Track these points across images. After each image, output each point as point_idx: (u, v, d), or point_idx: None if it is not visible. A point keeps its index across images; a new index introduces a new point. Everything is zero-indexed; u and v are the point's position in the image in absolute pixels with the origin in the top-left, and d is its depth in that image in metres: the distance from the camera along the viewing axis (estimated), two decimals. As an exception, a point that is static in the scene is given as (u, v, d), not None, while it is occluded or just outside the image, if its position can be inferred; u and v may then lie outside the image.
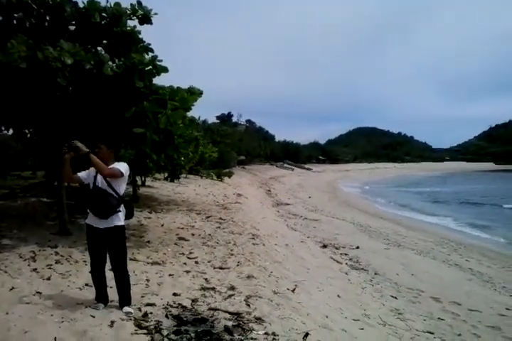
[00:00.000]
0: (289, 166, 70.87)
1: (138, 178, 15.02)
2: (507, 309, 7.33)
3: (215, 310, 4.40)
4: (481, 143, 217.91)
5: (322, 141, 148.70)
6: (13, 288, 4.46)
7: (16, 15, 6.21)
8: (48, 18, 6.52)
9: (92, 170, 4.15)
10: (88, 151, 3.90)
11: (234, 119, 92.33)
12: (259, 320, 4.25)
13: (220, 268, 6.27)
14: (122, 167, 4.07)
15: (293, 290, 5.68)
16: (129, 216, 4.27)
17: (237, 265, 6.51)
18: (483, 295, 8.14)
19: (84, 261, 5.67)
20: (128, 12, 6.96)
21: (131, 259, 5.80)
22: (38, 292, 4.41)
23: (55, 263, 5.58)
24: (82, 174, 4.17)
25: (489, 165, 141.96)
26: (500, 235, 17.24)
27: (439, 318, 6.43)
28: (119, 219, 4.09)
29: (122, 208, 4.13)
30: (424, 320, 6.25)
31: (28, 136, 8.33)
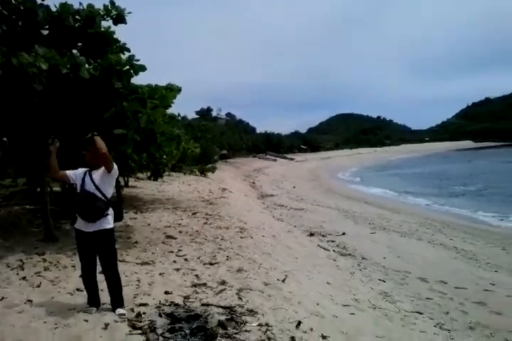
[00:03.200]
0: (272, 157, 70.99)
1: (121, 179, 14.91)
2: (491, 284, 7.55)
3: (208, 305, 4.45)
4: (459, 122, 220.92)
5: (303, 130, 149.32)
6: (3, 298, 4.43)
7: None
8: (20, 23, 6.41)
9: (81, 171, 4.17)
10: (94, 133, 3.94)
11: (213, 113, 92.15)
12: (251, 312, 4.33)
13: (210, 263, 6.31)
14: (115, 166, 4.13)
15: (283, 281, 5.77)
16: (118, 218, 4.28)
17: (227, 259, 6.56)
18: (469, 272, 8.36)
19: (73, 266, 5.66)
20: (101, 13, 6.88)
21: (120, 261, 5.77)
22: (28, 300, 4.39)
23: (44, 270, 5.55)
24: (70, 172, 4.17)
25: (468, 144, 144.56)
26: (483, 211, 17.68)
27: (426, 298, 6.61)
28: (108, 222, 4.09)
29: (111, 211, 4.14)
30: (413, 300, 6.41)
31: (8, 143, 8.19)
